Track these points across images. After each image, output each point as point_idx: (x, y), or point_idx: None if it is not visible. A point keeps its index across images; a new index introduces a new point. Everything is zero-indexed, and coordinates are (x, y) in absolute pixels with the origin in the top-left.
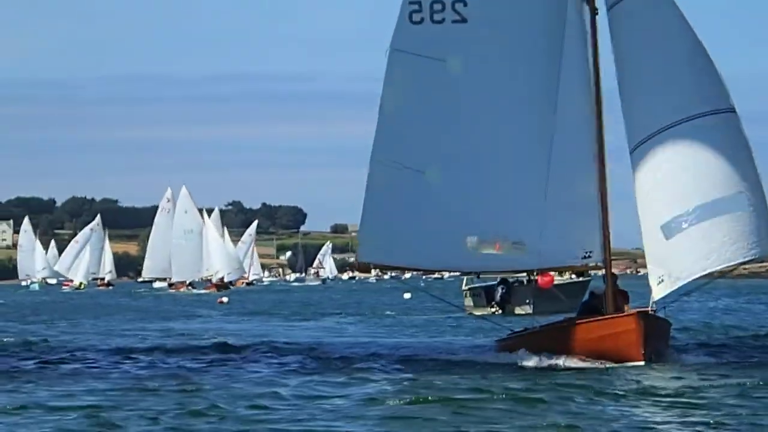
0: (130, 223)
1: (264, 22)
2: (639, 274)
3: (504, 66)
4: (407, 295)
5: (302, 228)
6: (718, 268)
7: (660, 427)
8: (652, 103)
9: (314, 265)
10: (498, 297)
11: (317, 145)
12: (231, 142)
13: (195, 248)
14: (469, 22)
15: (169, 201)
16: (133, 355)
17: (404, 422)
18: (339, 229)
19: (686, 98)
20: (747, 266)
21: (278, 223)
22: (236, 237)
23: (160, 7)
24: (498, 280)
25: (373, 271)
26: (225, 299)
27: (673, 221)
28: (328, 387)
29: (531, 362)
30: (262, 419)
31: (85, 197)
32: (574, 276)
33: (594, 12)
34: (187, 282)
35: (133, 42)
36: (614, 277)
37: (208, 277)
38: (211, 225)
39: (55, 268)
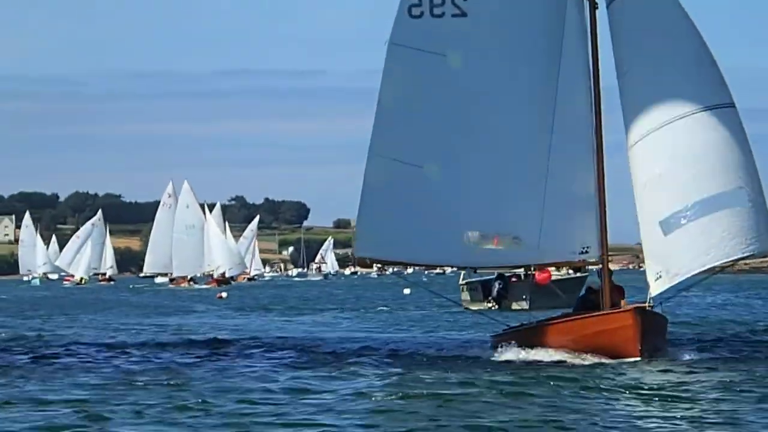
0: (132, 218)
1: (265, 20)
2: (641, 269)
3: (504, 60)
4: (407, 291)
5: (305, 223)
6: (717, 264)
7: (639, 421)
8: (651, 98)
9: (316, 260)
10: (495, 292)
11: (321, 140)
12: (234, 138)
13: (196, 243)
14: (469, 16)
15: (170, 196)
16: (127, 350)
17: (389, 416)
18: (342, 225)
19: (686, 93)
20: (748, 261)
21: (281, 219)
22: (239, 232)
23: (162, 7)
24: (495, 275)
25: (374, 266)
26: (224, 294)
27: (672, 217)
28: (318, 381)
29: (524, 358)
30: (247, 413)
31: (88, 192)
32: (571, 271)
33: (594, 7)
34: (189, 277)
35: (135, 40)
36: (609, 272)
37: (210, 273)
38: (213, 220)
39: (56, 263)
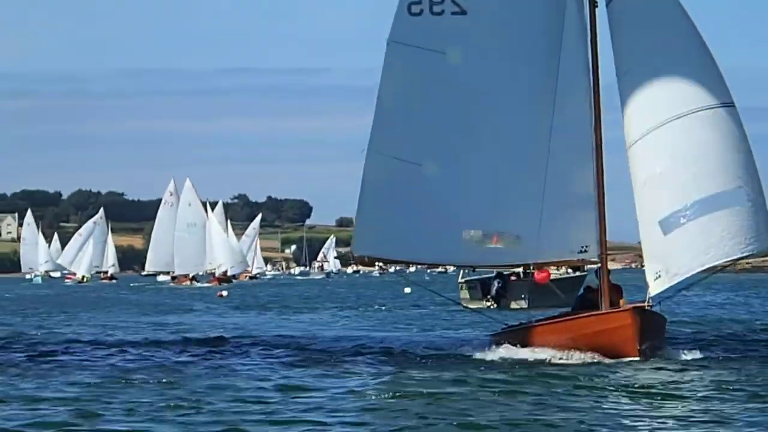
0: (135, 216)
1: (266, 20)
2: (643, 268)
3: (503, 58)
4: (408, 290)
5: (308, 221)
6: (716, 263)
7: (626, 420)
8: (651, 97)
9: (318, 258)
10: (494, 291)
11: (324, 138)
12: (237, 136)
13: (198, 241)
14: (469, 14)
15: (172, 194)
16: (124, 348)
17: (378, 414)
18: (344, 223)
19: (685, 93)
20: (750, 260)
21: (284, 217)
22: (241, 230)
23: (163, 7)
24: (494, 273)
25: (376, 265)
26: (224, 293)
27: (672, 216)
28: (311, 380)
29: (522, 356)
30: (238, 411)
31: (91, 190)
32: (570, 270)
33: (593, 5)
34: (191, 275)
35: (136, 38)
36: (607, 271)
37: (211, 271)
38: (215, 218)
39: (58, 261)
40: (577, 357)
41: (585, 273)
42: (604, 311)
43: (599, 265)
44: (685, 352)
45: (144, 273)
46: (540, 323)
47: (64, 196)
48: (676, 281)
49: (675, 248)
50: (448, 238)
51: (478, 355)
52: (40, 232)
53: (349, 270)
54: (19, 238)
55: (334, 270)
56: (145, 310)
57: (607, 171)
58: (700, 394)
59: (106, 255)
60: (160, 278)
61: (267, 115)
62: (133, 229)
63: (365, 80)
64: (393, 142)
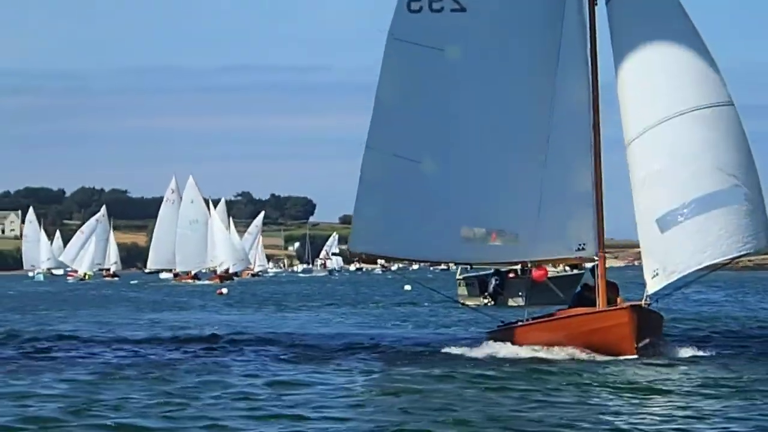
0: (138, 213)
1: (266, 20)
2: None
3: (502, 56)
4: (408, 287)
5: (311, 219)
6: (713, 262)
7: (607, 416)
8: (649, 95)
9: (321, 256)
10: (491, 288)
11: (327, 136)
12: (240, 133)
13: (200, 239)
14: (468, 11)
15: (173, 192)
16: (119, 345)
17: (363, 411)
18: (347, 221)
19: (684, 91)
20: (752, 258)
21: (287, 214)
22: (244, 228)
23: (163, 7)
24: (492, 270)
25: (378, 262)
26: (224, 290)
27: (669, 214)
28: (302, 376)
29: (516, 354)
30: (224, 407)
31: (94, 188)
32: (567, 268)
33: (593, 3)
34: (192, 273)
35: (138, 36)
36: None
37: (213, 269)
38: (217, 216)
39: (60, 258)
40: (570, 354)
41: (582, 271)
42: (601, 309)
43: (595, 262)
44: (678, 348)
45: (147, 271)
46: (537, 321)
47: (68, 194)
48: (673, 279)
49: (672, 246)
50: (445, 236)
51: (472, 353)
52: (42, 230)
53: (352, 267)
54: (22, 235)
55: (336, 267)
56: (143, 307)
57: (605, 169)
58: (684, 390)
59: (108, 252)
60: (163, 276)
61: (269, 113)
62: (137, 226)
63: (368, 77)
64: (391, 139)
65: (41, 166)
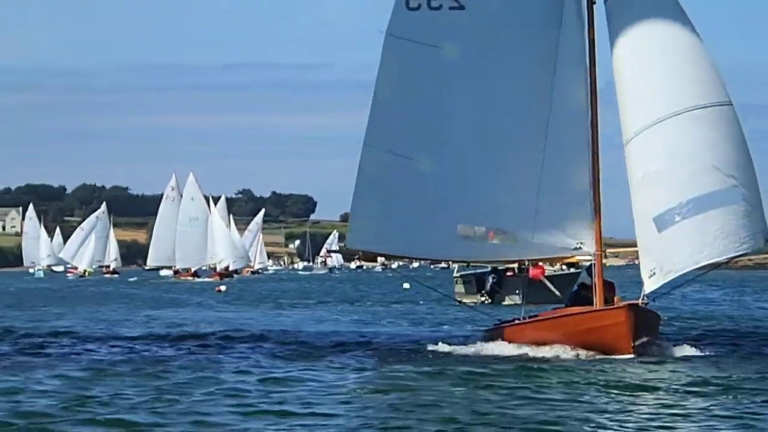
0: (139, 210)
1: (266, 20)
2: None
3: (500, 54)
4: (406, 285)
5: (312, 217)
6: (710, 261)
7: (593, 414)
8: (647, 94)
9: (321, 254)
10: (488, 286)
11: (328, 134)
12: (241, 131)
13: (200, 236)
14: (467, 9)
15: (173, 189)
16: (111, 341)
17: (353, 407)
18: (348, 218)
19: (682, 91)
20: (752, 257)
21: (288, 212)
22: (245, 225)
23: (163, 7)
24: (489, 268)
25: (378, 260)
26: (222, 288)
27: (667, 214)
28: (292, 373)
29: (512, 352)
30: (213, 403)
31: (95, 185)
32: (564, 267)
33: (591, 2)
34: (192, 270)
35: (139, 34)
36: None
37: (213, 266)
38: (217, 213)
39: (60, 255)
40: (565, 353)
41: (579, 270)
42: (598, 308)
43: (591, 261)
44: (673, 347)
45: (147, 268)
46: (533, 319)
47: (69, 191)
48: (670, 279)
49: (670, 246)
50: (442, 234)
51: (466, 350)
52: (42, 226)
53: (352, 265)
54: (22, 232)
55: (337, 265)
56: (140, 304)
57: (603, 168)
58: (672, 389)
59: (108, 249)
60: (163, 273)
61: (271, 111)
62: (137, 223)
63: (369, 75)
64: (388, 136)
65: (43, 163)
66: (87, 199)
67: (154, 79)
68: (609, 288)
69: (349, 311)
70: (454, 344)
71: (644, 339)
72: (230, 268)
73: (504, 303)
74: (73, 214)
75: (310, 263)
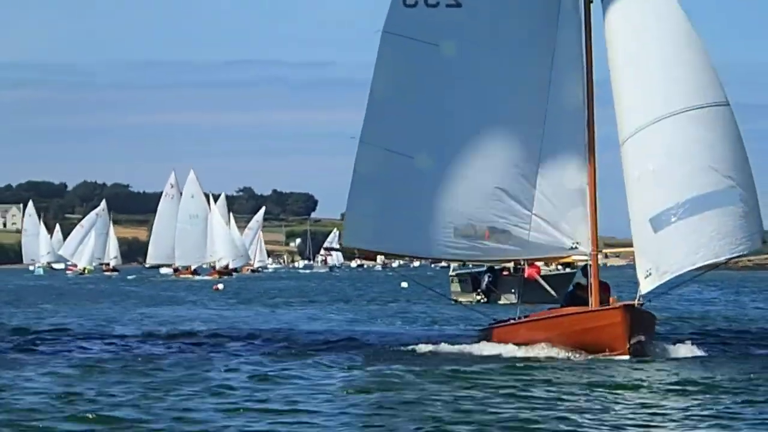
0: (140, 208)
1: (266, 20)
2: None
3: (497, 52)
4: (404, 284)
5: (313, 215)
6: (707, 263)
7: (573, 414)
8: (644, 94)
9: (321, 252)
10: (484, 285)
11: (329, 131)
12: (243, 129)
13: (199, 234)
14: (464, 6)
15: (173, 187)
16: (106, 339)
17: (336, 405)
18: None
19: (679, 90)
20: (751, 258)
21: (289, 210)
22: (245, 223)
23: (163, 7)
24: (485, 267)
25: (378, 258)
26: (220, 286)
27: (663, 214)
28: (281, 371)
29: (507, 352)
30: (199, 400)
31: (96, 182)
32: (560, 267)
33: (588, 0)
34: (192, 268)
35: (141, 30)
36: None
37: (212, 264)
38: (217, 211)
39: (60, 252)
40: (559, 353)
41: (575, 270)
42: (594, 308)
43: (587, 261)
44: (667, 347)
45: (147, 265)
46: (529, 319)
47: (70, 188)
48: (665, 279)
49: (666, 246)
50: (439, 232)
51: (459, 349)
52: (42, 223)
53: (353, 264)
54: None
55: (337, 264)
56: (137, 301)
57: (600, 167)
58: (655, 388)
59: (108, 247)
60: (163, 270)
61: (272, 108)
62: (138, 221)
63: (371, 74)
64: (385, 134)
65: (44, 160)
66: (88, 196)
67: (154, 76)
68: (603, 288)
69: (344, 310)
70: (447, 343)
71: (640, 340)
72: (230, 267)
73: (500, 302)
74: (73, 211)
75: (311, 262)
